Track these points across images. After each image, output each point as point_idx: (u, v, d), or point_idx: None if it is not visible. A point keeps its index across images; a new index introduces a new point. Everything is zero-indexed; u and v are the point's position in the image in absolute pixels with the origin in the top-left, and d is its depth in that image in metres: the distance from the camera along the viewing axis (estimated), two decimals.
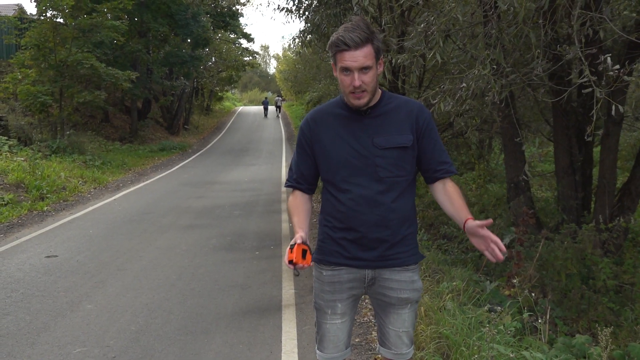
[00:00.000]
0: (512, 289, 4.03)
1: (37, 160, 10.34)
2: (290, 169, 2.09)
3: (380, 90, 1.95)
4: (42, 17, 13.41)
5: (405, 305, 2.00)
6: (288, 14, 9.10)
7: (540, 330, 3.17)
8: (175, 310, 4.07)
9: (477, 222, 1.76)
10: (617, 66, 2.80)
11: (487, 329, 2.77)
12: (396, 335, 2.03)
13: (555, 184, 6.94)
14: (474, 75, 3.82)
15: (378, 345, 2.14)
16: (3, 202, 7.92)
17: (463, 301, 3.85)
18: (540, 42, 3.73)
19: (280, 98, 41.22)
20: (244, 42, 31.39)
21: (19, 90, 12.75)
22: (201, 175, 13.12)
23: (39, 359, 3.26)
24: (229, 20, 24.73)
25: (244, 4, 35.16)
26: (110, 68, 14.44)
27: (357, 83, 1.81)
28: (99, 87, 15.46)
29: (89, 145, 14.24)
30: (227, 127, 29.96)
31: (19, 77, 13.31)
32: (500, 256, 1.71)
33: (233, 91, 52.94)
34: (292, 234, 1.90)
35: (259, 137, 24.89)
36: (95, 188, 10.60)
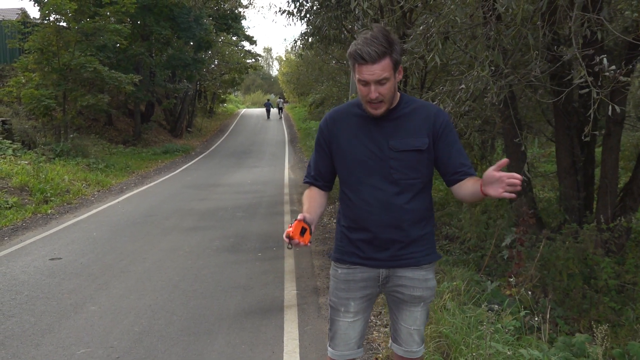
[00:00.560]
0: (512, 289, 4.05)
1: (41, 164, 10.42)
2: (309, 166, 2.15)
3: (399, 94, 1.96)
4: (46, 21, 13.52)
5: (418, 303, 2.05)
6: (289, 17, 9.15)
7: (541, 329, 3.18)
8: (178, 312, 4.11)
9: (493, 166, 1.70)
10: (613, 67, 2.82)
11: (485, 327, 2.79)
12: (407, 333, 2.08)
13: (557, 184, 6.94)
14: (472, 76, 3.84)
15: (390, 341, 2.20)
16: (7, 205, 7.98)
17: (463, 301, 3.87)
18: (538, 43, 3.75)
19: (282, 100, 41.28)
20: (246, 45, 31.49)
21: (23, 94, 12.83)
22: (204, 178, 13.16)
23: None
24: (231, 22, 24.80)
25: (246, 7, 35.27)
26: (113, 71, 14.49)
27: (373, 95, 1.84)
28: (102, 91, 15.52)
29: (93, 148, 14.29)
30: (230, 130, 30.01)
31: (23, 81, 13.40)
32: (519, 181, 1.62)
33: (236, 93, 53.02)
34: None
35: (262, 140, 24.93)
36: (98, 191, 10.65)
